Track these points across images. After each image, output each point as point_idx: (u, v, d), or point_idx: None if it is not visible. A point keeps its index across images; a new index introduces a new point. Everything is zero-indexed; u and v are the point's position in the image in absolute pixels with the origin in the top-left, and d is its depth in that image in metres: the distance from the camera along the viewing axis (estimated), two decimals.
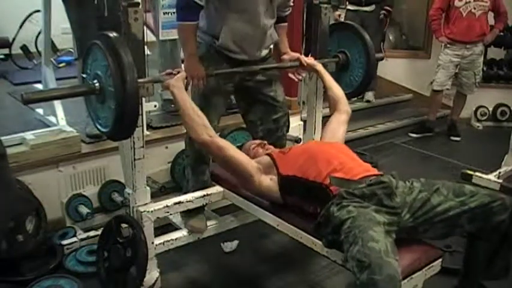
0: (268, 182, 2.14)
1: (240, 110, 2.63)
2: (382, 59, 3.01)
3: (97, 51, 1.88)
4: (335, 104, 2.48)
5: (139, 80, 1.92)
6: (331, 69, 2.73)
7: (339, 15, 4.90)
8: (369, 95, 4.97)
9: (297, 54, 2.56)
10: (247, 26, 2.28)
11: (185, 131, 2.42)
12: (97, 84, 1.90)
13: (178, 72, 2.13)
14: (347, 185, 1.91)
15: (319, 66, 2.55)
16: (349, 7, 4.88)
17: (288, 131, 2.66)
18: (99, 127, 2.02)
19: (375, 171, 2.04)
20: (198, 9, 2.19)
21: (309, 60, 2.54)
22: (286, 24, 2.55)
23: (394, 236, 1.76)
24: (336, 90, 2.51)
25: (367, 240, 1.63)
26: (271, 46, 2.54)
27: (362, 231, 1.68)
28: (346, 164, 2.03)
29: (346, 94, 2.84)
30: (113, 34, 1.87)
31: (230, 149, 2.14)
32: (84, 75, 1.99)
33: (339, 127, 2.39)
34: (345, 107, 2.47)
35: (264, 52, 2.45)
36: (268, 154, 2.24)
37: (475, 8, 4.40)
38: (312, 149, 2.20)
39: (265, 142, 2.42)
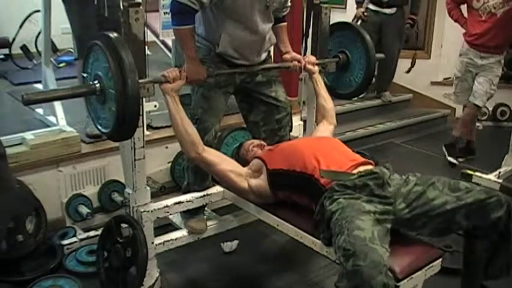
0: (258, 181, 2.16)
1: (242, 111, 2.62)
2: (382, 59, 2.99)
3: (98, 51, 1.88)
4: (324, 113, 2.55)
5: (140, 81, 1.92)
6: (332, 69, 2.74)
7: (363, 13, 4.80)
8: (387, 95, 5.11)
9: (298, 56, 2.56)
10: (245, 33, 2.28)
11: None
12: (98, 85, 1.89)
13: (180, 73, 2.11)
14: (338, 176, 1.92)
15: (316, 74, 2.59)
16: (371, 6, 4.80)
17: (291, 130, 2.65)
18: (99, 127, 2.01)
19: (364, 160, 2.06)
20: (193, 13, 2.17)
21: (309, 65, 2.56)
22: (285, 23, 2.54)
23: (389, 226, 1.77)
24: (328, 100, 2.58)
25: (352, 229, 1.66)
26: (270, 48, 2.54)
27: (348, 221, 1.70)
28: (332, 155, 2.06)
29: (346, 94, 2.86)
30: (113, 34, 1.87)
31: (220, 163, 2.18)
32: (84, 75, 1.99)
33: (326, 133, 2.45)
34: (333, 120, 2.54)
35: (263, 56, 2.45)
36: (256, 156, 2.25)
37: (494, 8, 3.79)
38: (298, 143, 2.25)
39: (265, 144, 2.42)
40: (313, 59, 2.60)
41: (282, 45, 2.55)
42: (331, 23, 2.75)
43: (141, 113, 1.98)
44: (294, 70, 2.57)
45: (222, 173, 2.19)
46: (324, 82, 2.67)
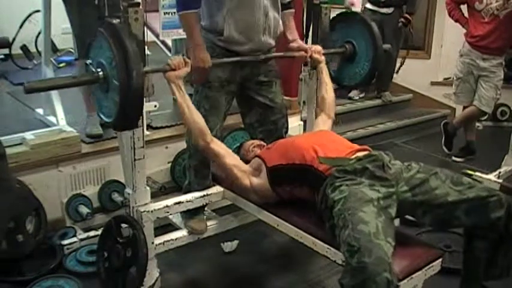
0: (259, 180, 2.17)
1: (241, 113, 2.62)
2: (389, 50, 2.92)
3: (101, 39, 1.86)
4: (323, 104, 2.53)
5: (144, 69, 1.92)
6: (336, 64, 2.73)
7: (362, 11, 4.78)
8: (387, 95, 5.10)
9: (305, 46, 2.55)
10: (248, 11, 2.24)
11: (185, 131, 2.43)
12: (101, 73, 1.88)
13: (184, 60, 2.11)
14: (336, 162, 1.92)
15: (322, 63, 2.58)
16: (369, 6, 4.81)
17: (287, 132, 2.65)
18: (102, 116, 2.01)
19: (361, 147, 2.07)
20: None
21: (315, 54, 2.55)
22: (292, 10, 2.51)
23: (393, 212, 1.78)
24: (330, 91, 2.56)
25: (356, 223, 1.65)
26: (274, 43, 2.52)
27: (352, 213, 1.69)
28: (329, 144, 2.06)
29: (351, 85, 2.85)
30: (117, 21, 1.86)
31: (226, 156, 2.19)
32: (88, 62, 1.97)
33: (325, 127, 2.45)
34: (331, 113, 2.53)
35: (270, 40, 2.39)
36: (256, 155, 2.26)
37: (497, 9, 3.81)
38: (295, 138, 2.27)
39: (265, 144, 2.42)
40: (319, 48, 2.58)
41: (289, 32, 2.52)
42: None
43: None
44: (299, 59, 2.54)
45: (227, 166, 2.19)
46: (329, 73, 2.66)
